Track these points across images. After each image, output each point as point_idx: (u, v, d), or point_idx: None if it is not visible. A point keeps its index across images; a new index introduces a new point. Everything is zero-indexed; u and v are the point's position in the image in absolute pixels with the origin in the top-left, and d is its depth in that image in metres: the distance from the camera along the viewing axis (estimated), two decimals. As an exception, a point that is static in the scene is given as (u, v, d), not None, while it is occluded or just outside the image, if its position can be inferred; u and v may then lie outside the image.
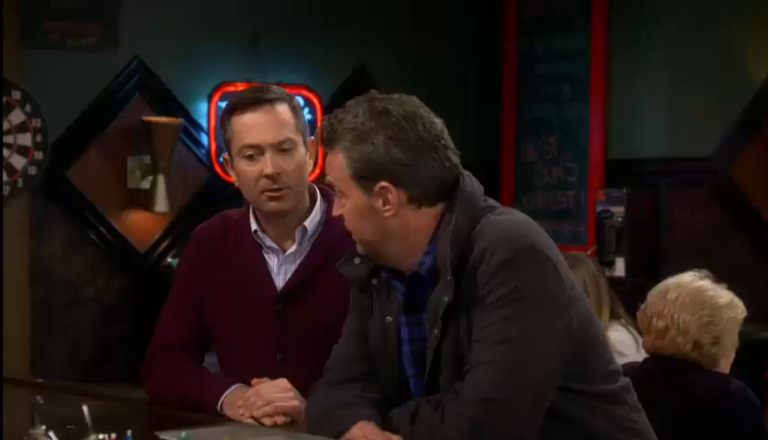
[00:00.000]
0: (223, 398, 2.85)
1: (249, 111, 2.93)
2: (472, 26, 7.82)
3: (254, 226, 3.02)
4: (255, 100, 2.94)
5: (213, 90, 6.82)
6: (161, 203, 6.68)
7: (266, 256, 3.02)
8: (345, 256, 2.58)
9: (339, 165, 2.45)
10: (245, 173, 2.95)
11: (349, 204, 2.46)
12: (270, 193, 2.93)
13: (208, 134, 6.89)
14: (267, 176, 2.91)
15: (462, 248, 2.37)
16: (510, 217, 2.43)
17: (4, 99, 6.27)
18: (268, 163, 2.91)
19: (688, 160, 6.79)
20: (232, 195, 6.93)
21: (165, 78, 6.85)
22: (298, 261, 2.99)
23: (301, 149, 2.96)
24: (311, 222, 3.00)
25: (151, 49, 6.78)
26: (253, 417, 2.76)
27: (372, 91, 2.50)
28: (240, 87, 6.39)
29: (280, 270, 3.00)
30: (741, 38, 6.89)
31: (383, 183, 2.41)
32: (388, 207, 2.43)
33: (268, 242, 3.01)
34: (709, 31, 6.84)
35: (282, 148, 2.92)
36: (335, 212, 2.53)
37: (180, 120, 6.77)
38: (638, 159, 6.88)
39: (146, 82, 6.80)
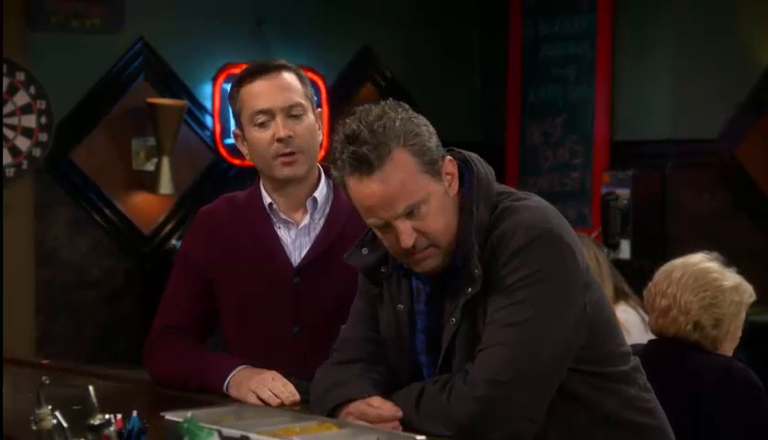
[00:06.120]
0: (228, 379, 2.86)
1: (257, 79, 2.98)
2: (477, 7, 7.80)
3: (268, 200, 3.03)
4: (262, 68, 2.99)
5: (218, 72, 6.81)
6: (166, 185, 6.67)
7: (278, 231, 3.03)
8: (352, 247, 2.57)
9: (405, 166, 2.35)
10: (257, 140, 2.97)
11: (432, 205, 2.38)
12: (284, 159, 2.95)
13: (212, 116, 6.88)
14: (279, 139, 2.93)
15: (483, 236, 2.39)
16: (528, 203, 2.44)
17: (9, 80, 6.26)
18: (279, 127, 2.93)
19: (694, 142, 6.78)
20: (236, 177, 6.95)
21: (169, 60, 6.84)
22: (313, 234, 3.01)
23: (311, 115, 2.99)
24: (320, 193, 3.02)
25: (155, 31, 6.77)
26: (259, 398, 2.77)
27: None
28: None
29: (295, 244, 3.02)
30: (748, 20, 6.88)
31: (446, 157, 2.43)
32: (452, 181, 2.42)
33: (282, 215, 3.02)
34: (716, 14, 6.82)
35: (292, 113, 2.95)
36: (419, 244, 2.37)
37: (184, 102, 6.76)
38: (643, 141, 6.86)
39: (150, 63, 6.79)
